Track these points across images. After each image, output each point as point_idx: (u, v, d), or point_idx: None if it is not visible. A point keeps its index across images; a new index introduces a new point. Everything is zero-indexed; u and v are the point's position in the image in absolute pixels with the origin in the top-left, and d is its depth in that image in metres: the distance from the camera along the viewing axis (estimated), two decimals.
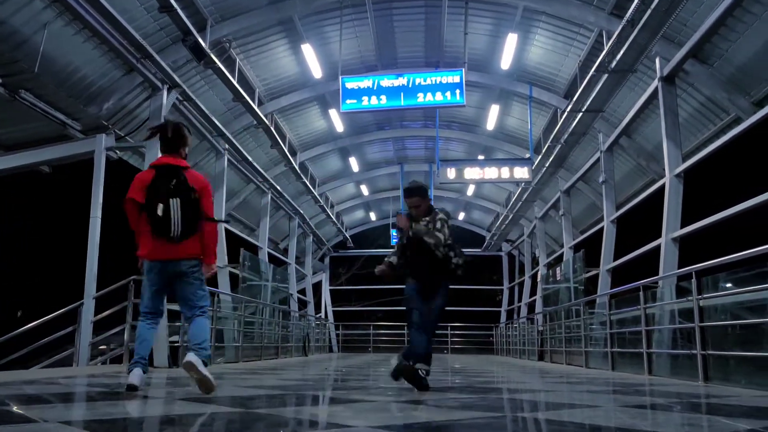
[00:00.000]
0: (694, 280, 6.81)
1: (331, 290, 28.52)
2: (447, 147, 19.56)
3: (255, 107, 12.93)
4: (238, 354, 11.90)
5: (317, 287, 27.11)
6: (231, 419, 2.87)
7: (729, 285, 6.93)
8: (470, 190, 23.36)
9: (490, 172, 14.00)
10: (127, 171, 11.42)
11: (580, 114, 11.99)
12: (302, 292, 23.33)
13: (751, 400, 4.27)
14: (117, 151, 10.77)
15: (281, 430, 2.53)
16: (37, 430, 2.36)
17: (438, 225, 4.87)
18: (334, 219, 23.73)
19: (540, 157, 15.09)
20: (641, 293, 8.52)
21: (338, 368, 9.88)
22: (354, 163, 20.21)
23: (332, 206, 23.83)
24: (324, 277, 28.11)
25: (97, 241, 9.87)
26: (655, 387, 5.76)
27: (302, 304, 23.00)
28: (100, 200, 10.00)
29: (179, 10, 8.83)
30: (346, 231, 27.13)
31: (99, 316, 9.43)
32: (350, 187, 23.82)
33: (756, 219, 9.13)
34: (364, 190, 24.10)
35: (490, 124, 16.12)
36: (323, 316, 26.28)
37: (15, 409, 3.11)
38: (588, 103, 11.58)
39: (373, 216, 27.92)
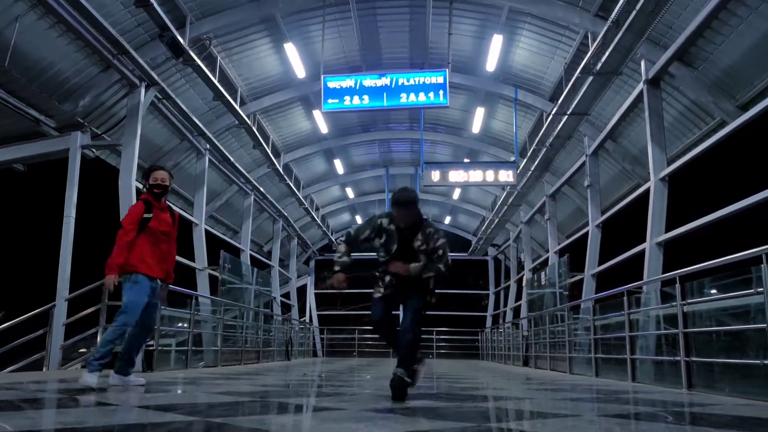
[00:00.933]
0: (678, 286, 6.69)
1: (316, 294, 28.22)
2: (432, 150, 19.42)
3: (237, 107, 12.70)
4: (217, 358, 11.66)
5: (302, 291, 26.84)
6: (178, 429, 2.66)
7: (714, 291, 6.79)
8: (456, 194, 23.25)
9: (475, 175, 13.88)
10: (104, 169, 11.14)
11: (566, 117, 11.88)
12: (286, 295, 23.07)
13: (734, 409, 4.12)
14: (93, 150, 10.51)
15: None
16: None
17: (440, 252, 4.40)
18: (320, 222, 23.51)
19: (525, 160, 14.98)
20: (625, 298, 8.40)
21: (318, 373, 9.66)
22: (339, 166, 20.01)
23: (317, 209, 23.62)
24: (309, 281, 27.85)
25: (71, 241, 9.61)
26: (638, 395, 5.60)
27: (286, 308, 22.73)
28: (75, 199, 9.75)
29: (156, 5, 8.60)
30: (331, 234, 26.90)
31: (71, 319, 9.19)
32: (335, 189, 23.61)
33: (742, 222, 9.08)
34: (350, 192, 23.91)
35: (476, 127, 16.01)
36: (308, 320, 25.99)
37: None
38: (573, 105, 11.48)
39: (359, 219, 27.71)
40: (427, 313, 4.68)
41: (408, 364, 4.38)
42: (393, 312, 4.75)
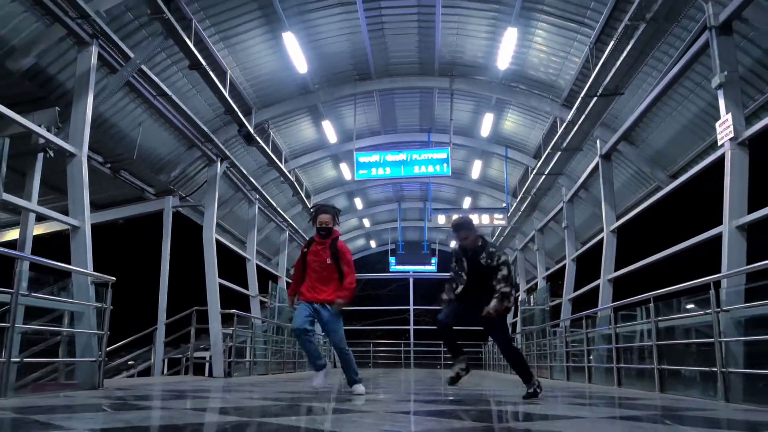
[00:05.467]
0: (611, 314, 9.83)
1: None
2: (439, 189, 22.66)
3: (282, 166, 15.96)
4: (267, 368, 14.81)
5: None
6: (290, 405, 5.79)
7: (632, 319, 9.87)
8: None
9: (474, 219, 17.03)
10: (185, 223, 14.38)
11: (544, 176, 15.04)
12: None
13: (670, 403, 6.86)
14: (180, 209, 13.73)
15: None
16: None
17: (504, 272, 5.31)
18: None
19: (516, 202, 18.14)
20: (584, 321, 11.55)
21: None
22: (358, 203, 23.30)
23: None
24: None
25: (167, 278, 12.78)
26: (597, 392, 8.05)
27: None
28: (169, 246, 12.90)
29: (239, 113, 11.85)
30: None
31: (169, 338, 12.47)
32: (354, 221, 26.86)
33: (674, 263, 12.11)
34: (366, 222, 27.14)
35: (475, 173, 19.22)
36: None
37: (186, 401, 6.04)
38: (549, 168, 14.64)
39: (373, 243, 30.92)
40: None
41: (527, 378, 5.74)
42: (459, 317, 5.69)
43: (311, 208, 6.75)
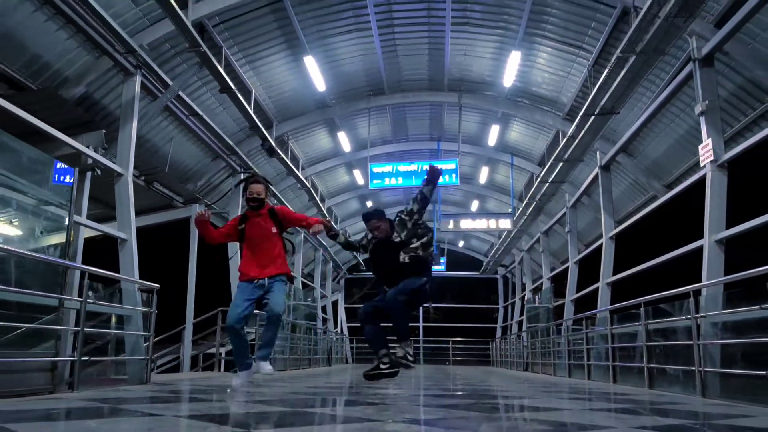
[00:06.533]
0: (608, 316, 10.69)
1: (345, 308, 32.30)
2: (447, 192, 23.55)
3: (299, 173, 16.90)
4: (286, 364, 15.75)
5: (334, 305, 30.97)
6: (322, 397, 6.69)
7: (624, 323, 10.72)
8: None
9: (481, 223, 17.95)
10: None
11: (548, 183, 15.89)
12: (323, 310, 27.18)
13: (657, 398, 7.99)
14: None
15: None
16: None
17: (398, 229, 5.27)
18: None
19: (522, 206, 18.99)
20: (584, 321, 12.43)
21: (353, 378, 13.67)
22: (370, 205, 24.20)
23: (350, 237, 27.73)
24: (340, 297, 31.94)
25: (194, 281, 13.75)
26: (593, 388, 9.04)
27: (323, 321, 26.84)
28: (196, 251, 13.87)
29: (262, 128, 12.78)
30: (360, 256, 30.98)
31: (197, 336, 13.43)
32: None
33: (668, 269, 12.93)
34: None
35: (482, 178, 20.09)
36: (339, 331, 30.07)
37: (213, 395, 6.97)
38: (553, 176, 15.48)
39: None
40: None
41: (404, 337, 5.41)
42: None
43: (241, 181, 5.80)
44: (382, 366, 5.25)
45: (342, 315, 31.80)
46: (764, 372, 5.72)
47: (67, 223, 7.03)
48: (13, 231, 6.64)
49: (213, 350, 15.94)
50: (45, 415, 3.88)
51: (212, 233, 5.65)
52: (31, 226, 6.79)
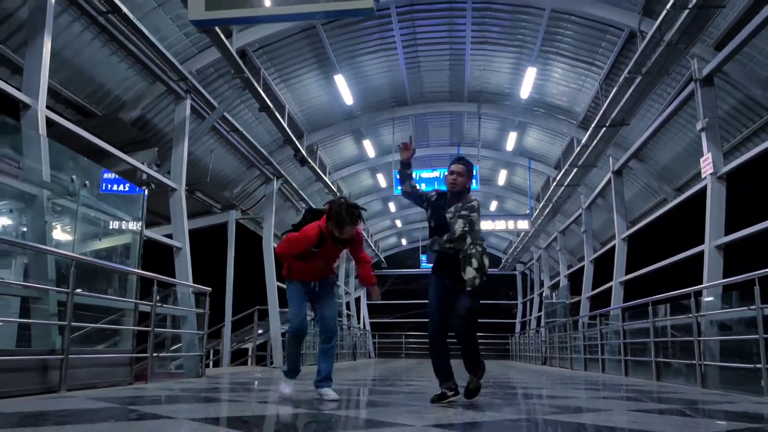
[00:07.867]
0: (620, 313, 11.52)
1: (367, 304, 33.20)
2: None
3: (326, 179, 17.87)
4: (315, 359, 16.71)
5: (357, 302, 31.91)
6: (364, 387, 7.63)
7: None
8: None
9: (499, 224, 18.79)
10: (245, 233, 16.42)
11: (564, 186, 16.66)
12: (347, 306, 28.15)
13: (660, 388, 8.85)
14: (241, 220, 15.72)
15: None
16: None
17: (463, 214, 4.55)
18: (372, 245, 28.62)
19: (539, 207, 19.77)
20: (598, 318, 13.26)
21: (391, 369, 14.60)
22: (392, 206, 25.18)
23: (371, 236, 28.72)
24: (362, 293, 32.86)
25: (232, 280, 14.75)
26: (605, 380, 10.02)
27: (347, 318, 27.81)
28: (233, 254, 14.87)
29: (295, 140, 13.75)
30: (381, 253, 31.90)
31: (235, 333, 14.45)
32: (387, 221, 28.75)
33: (678, 269, 13.67)
34: (398, 222, 29.01)
35: (501, 181, 20.91)
36: (362, 327, 31.02)
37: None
38: (568, 180, 16.25)
39: (404, 241, 32.81)
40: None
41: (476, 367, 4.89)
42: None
43: (339, 206, 4.78)
44: (448, 393, 4.75)
45: (364, 311, 32.72)
46: (751, 365, 6.55)
47: (138, 236, 8.03)
48: (103, 245, 7.65)
49: (245, 346, 17.11)
50: (166, 397, 4.79)
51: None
52: (113, 241, 7.79)
